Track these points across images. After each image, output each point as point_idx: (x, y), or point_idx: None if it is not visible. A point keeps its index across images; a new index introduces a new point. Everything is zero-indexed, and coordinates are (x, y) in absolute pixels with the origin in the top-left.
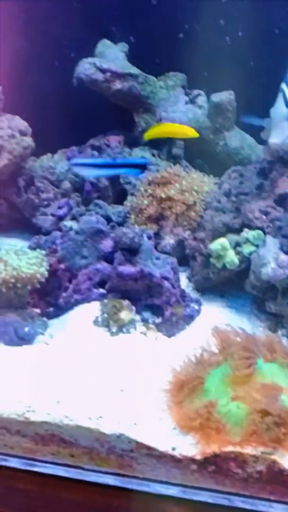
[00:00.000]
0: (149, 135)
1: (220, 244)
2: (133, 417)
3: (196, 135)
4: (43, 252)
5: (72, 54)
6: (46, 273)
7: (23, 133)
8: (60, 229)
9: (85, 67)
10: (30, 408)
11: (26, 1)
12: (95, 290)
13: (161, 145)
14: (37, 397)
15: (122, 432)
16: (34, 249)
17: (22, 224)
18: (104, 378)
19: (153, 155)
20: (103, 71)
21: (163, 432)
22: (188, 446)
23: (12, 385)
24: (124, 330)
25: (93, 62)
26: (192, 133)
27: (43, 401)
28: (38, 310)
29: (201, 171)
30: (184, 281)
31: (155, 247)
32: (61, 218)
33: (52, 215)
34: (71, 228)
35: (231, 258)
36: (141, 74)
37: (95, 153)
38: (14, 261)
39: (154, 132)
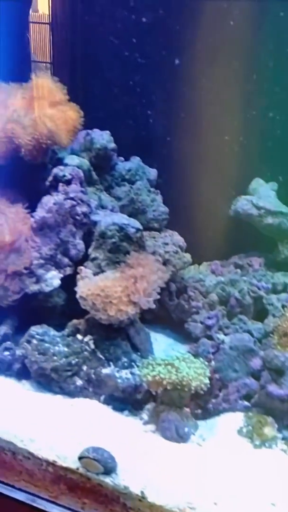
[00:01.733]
0: None
1: None
2: None
3: None
4: (206, 363)
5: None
6: (208, 383)
7: (181, 248)
8: (208, 337)
9: (243, 203)
10: (191, 505)
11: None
12: (240, 402)
13: None
14: (196, 495)
15: None
16: (194, 356)
17: (165, 322)
18: (254, 488)
19: None
20: (258, 208)
21: None
22: None
23: (175, 479)
24: (266, 444)
25: (251, 199)
26: None
27: (202, 500)
28: (187, 409)
29: None
30: None
31: None
32: (209, 328)
33: (201, 322)
34: (223, 341)
35: None
36: None
37: (238, 271)
38: (184, 369)
39: None
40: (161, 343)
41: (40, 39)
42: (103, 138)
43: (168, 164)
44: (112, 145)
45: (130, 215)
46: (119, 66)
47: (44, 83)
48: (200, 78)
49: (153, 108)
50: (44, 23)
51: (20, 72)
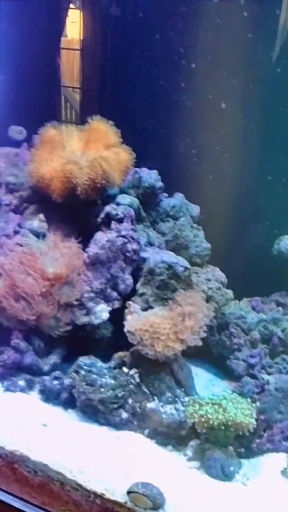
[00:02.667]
0: None
1: None
2: None
3: None
4: (254, 405)
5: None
6: (255, 425)
7: (223, 284)
8: (251, 376)
9: (287, 243)
10: None
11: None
12: (284, 443)
13: None
14: None
15: None
16: (239, 395)
17: (205, 356)
18: None
19: None
20: None
21: None
22: None
23: None
24: None
25: None
26: None
27: None
28: (231, 448)
29: None
30: None
31: None
32: (252, 366)
33: (243, 360)
34: (267, 382)
35: None
36: None
37: (280, 309)
38: (232, 409)
39: None
40: (202, 378)
41: (68, 64)
42: (151, 177)
43: (210, 201)
44: (160, 184)
45: (173, 250)
46: (157, 103)
47: (100, 126)
48: (245, 121)
49: (197, 147)
50: (74, 49)
51: (50, 96)
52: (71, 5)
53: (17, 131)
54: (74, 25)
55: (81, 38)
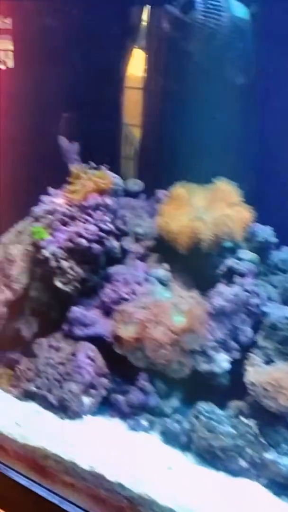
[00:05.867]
0: None
1: None
2: None
3: None
4: None
5: None
6: None
7: None
8: None
9: None
10: None
11: None
12: None
13: None
14: None
15: None
16: None
17: None
18: None
19: None
20: None
21: None
22: None
23: None
24: None
25: None
26: None
27: None
28: None
29: None
30: None
31: None
32: None
33: None
34: None
35: None
36: None
37: None
38: None
39: None
40: None
41: (128, 101)
42: (265, 232)
43: None
44: (273, 239)
45: (283, 303)
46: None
47: (223, 186)
48: None
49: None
50: (136, 88)
51: (113, 133)
52: (135, 45)
53: (133, 183)
54: (133, 62)
55: (145, 76)
